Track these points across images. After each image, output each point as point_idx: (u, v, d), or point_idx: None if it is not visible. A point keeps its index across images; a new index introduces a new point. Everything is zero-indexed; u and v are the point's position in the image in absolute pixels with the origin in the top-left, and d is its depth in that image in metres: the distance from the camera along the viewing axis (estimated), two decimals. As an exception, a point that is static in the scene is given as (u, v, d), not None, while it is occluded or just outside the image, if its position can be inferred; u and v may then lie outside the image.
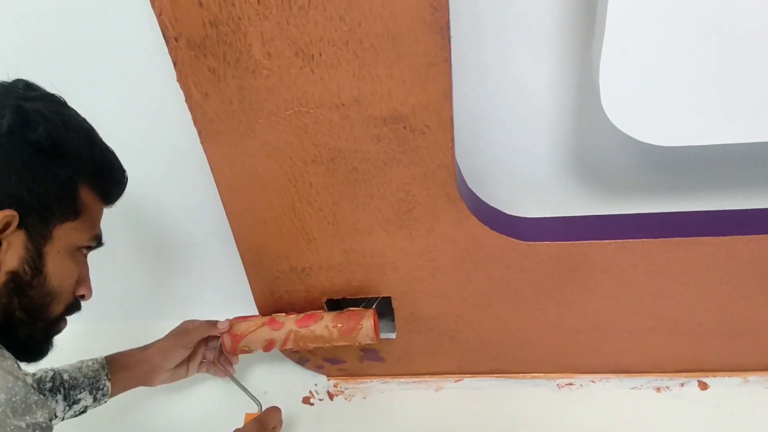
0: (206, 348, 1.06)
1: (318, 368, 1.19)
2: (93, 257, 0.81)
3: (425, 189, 0.87)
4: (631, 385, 1.11)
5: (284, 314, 1.03)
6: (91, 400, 0.95)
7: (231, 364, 1.08)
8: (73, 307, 0.78)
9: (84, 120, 0.75)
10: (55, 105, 0.72)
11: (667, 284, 0.96)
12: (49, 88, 0.74)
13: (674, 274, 0.94)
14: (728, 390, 1.08)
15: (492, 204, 0.98)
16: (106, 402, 0.97)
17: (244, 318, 1.04)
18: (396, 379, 1.18)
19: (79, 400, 0.94)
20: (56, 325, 0.76)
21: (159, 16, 0.74)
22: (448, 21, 0.72)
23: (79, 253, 0.76)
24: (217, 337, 1.04)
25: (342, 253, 0.96)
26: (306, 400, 1.17)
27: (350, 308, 1.01)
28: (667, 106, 0.78)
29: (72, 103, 0.76)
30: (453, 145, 0.83)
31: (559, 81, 0.90)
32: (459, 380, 1.16)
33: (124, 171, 0.80)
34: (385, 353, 1.13)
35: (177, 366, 1.02)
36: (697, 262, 0.92)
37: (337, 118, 0.81)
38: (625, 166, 0.98)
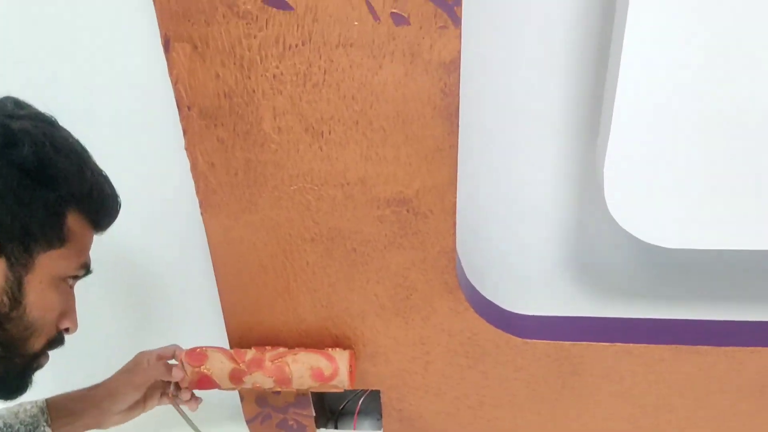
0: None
1: (296, 465, 1.13)
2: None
3: (424, 275, 0.87)
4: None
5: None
6: None
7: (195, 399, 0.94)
8: (56, 341, 0.72)
9: (76, 141, 0.71)
10: (45, 125, 0.67)
11: (666, 394, 0.94)
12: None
13: (674, 384, 0.92)
14: None
15: (490, 298, 0.97)
16: None
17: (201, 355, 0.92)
18: (379, 481, 1.12)
19: None
20: (36, 360, 0.71)
21: (175, 84, 0.76)
22: (458, 107, 0.74)
23: (64, 284, 0.71)
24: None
25: (333, 339, 0.94)
26: (281, 502, 1.10)
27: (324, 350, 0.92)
28: (673, 208, 0.79)
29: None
30: (455, 232, 0.83)
31: (562, 177, 0.92)
32: (445, 487, 1.10)
33: (116, 196, 0.75)
34: (369, 453, 1.08)
35: (131, 406, 0.90)
36: (697, 373, 0.91)
37: (341, 196, 0.81)
38: (627, 267, 0.98)
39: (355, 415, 1.09)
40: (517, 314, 0.97)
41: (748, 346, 0.88)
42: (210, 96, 0.76)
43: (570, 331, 0.93)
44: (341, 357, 0.90)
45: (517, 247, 0.98)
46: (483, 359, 0.94)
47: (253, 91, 0.75)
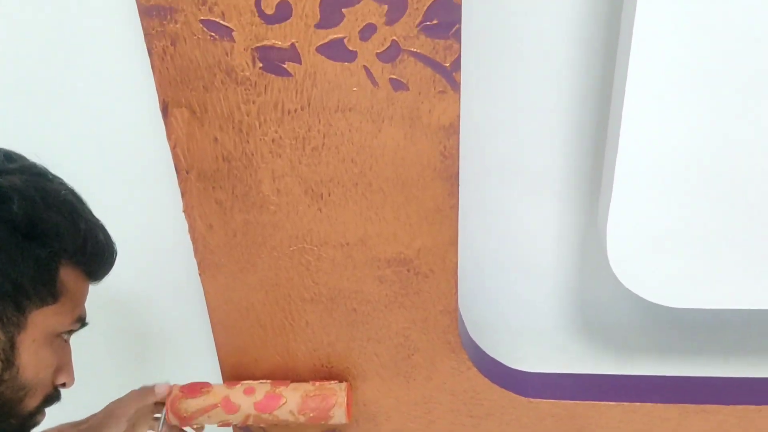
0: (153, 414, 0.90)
1: None
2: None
3: (426, 335, 0.86)
4: None
5: (245, 385, 0.89)
6: None
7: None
8: (52, 398, 0.69)
9: (69, 192, 0.68)
10: (35, 178, 0.65)
11: (675, 454, 0.92)
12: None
13: (683, 443, 0.90)
14: None
15: (492, 355, 0.96)
16: None
17: (194, 390, 0.88)
18: None
19: None
20: (32, 419, 0.67)
21: (173, 148, 0.76)
22: (458, 169, 0.74)
23: (58, 339, 0.68)
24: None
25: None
26: None
27: (319, 384, 0.89)
28: (677, 267, 0.79)
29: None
30: (456, 291, 0.82)
31: (564, 235, 0.91)
32: None
33: (112, 245, 0.72)
34: None
35: None
36: None
37: (341, 257, 0.81)
38: (631, 325, 0.97)
39: (357, 474, 1.07)
40: (521, 371, 0.95)
41: (756, 404, 0.86)
42: (208, 159, 0.76)
43: (575, 390, 0.91)
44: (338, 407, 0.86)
45: (520, 305, 0.98)
46: (487, 419, 0.92)
47: (252, 154, 0.75)
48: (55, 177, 0.67)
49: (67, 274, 0.66)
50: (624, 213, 0.78)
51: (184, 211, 0.79)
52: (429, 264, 0.81)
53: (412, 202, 0.77)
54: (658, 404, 0.88)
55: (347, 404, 0.86)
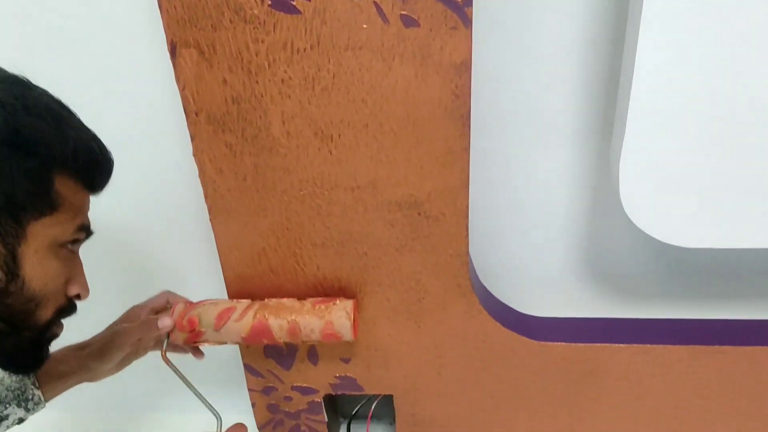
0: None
1: (309, 471, 1.12)
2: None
3: (436, 279, 0.86)
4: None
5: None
6: (23, 411, 0.82)
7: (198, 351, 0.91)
8: (67, 309, 0.69)
9: (53, 100, 0.66)
10: (16, 87, 0.63)
11: (685, 396, 0.92)
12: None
13: (693, 385, 0.91)
14: None
15: (504, 301, 0.96)
16: (44, 407, 0.85)
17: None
18: (393, 488, 1.11)
19: (8, 415, 0.81)
20: (48, 331, 0.68)
21: (182, 90, 0.76)
22: (470, 109, 0.73)
23: (64, 249, 0.67)
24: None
25: (345, 344, 0.93)
26: (293, 507, 1.09)
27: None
28: (689, 207, 0.78)
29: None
30: (467, 234, 0.82)
31: (576, 178, 0.91)
32: (460, 492, 1.09)
33: (106, 153, 0.69)
34: (382, 458, 1.08)
35: (121, 361, 0.87)
36: (716, 373, 0.90)
37: (351, 200, 0.81)
38: (643, 268, 0.97)
39: (368, 420, 1.09)
40: (531, 316, 0.96)
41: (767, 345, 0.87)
42: (217, 101, 0.76)
43: (585, 333, 0.92)
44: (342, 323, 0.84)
45: (530, 250, 0.97)
46: (497, 362, 0.93)
47: (261, 95, 0.75)
48: (37, 87, 0.65)
49: (63, 185, 0.65)
50: (636, 153, 0.77)
51: (194, 155, 0.79)
52: (440, 207, 0.81)
53: (423, 143, 0.76)
54: (669, 346, 0.88)
55: (353, 318, 0.84)
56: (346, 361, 0.95)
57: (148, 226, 1.05)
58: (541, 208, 0.94)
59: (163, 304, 0.88)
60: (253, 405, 1.03)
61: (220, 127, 0.77)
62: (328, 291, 0.89)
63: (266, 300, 0.86)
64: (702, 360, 0.89)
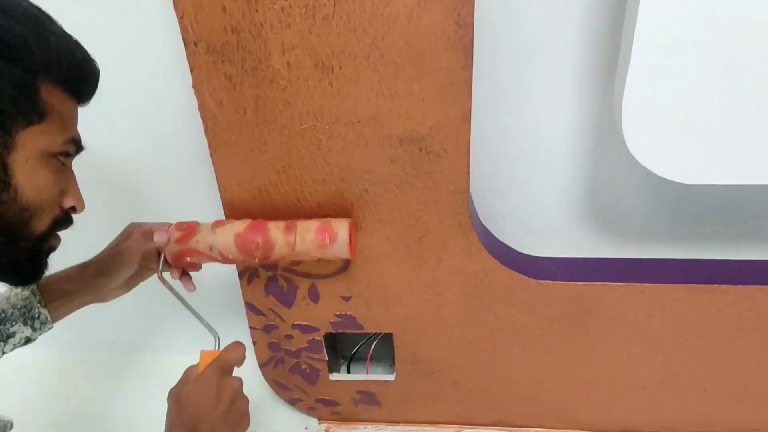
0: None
1: (310, 410, 1.14)
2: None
3: (437, 216, 0.86)
4: (639, 445, 1.06)
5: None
6: (30, 330, 0.84)
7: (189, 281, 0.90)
8: (63, 221, 0.69)
9: (31, 5, 0.64)
10: None
11: (682, 335, 0.93)
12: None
13: (690, 324, 0.92)
14: (743, 456, 1.03)
15: (503, 241, 0.96)
16: (51, 328, 0.86)
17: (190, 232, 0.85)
18: (391, 426, 1.13)
19: (14, 333, 0.82)
20: (44, 242, 0.68)
21: (180, 18, 0.74)
22: (472, 40, 0.72)
23: (55, 161, 0.66)
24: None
25: (345, 282, 0.94)
26: (295, 444, 1.12)
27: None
28: (693, 142, 0.78)
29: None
30: (468, 171, 0.82)
31: (579, 113, 0.90)
32: (458, 430, 1.11)
33: (91, 61, 0.69)
34: (382, 397, 1.09)
35: (127, 281, 0.88)
36: (714, 312, 0.90)
37: (352, 135, 0.80)
38: (644, 208, 0.97)
39: (368, 359, 1.10)
40: (530, 256, 0.96)
41: (766, 284, 0.87)
42: (217, 31, 0.74)
43: (584, 272, 0.92)
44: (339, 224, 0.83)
45: (531, 189, 0.97)
46: (496, 301, 0.93)
47: (261, 24, 0.73)
48: None
49: (49, 92, 0.64)
50: (640, 88, 0.76)
51: (193, 87, 0.78)
52: (441, 142, 0.80)
53: (425, 75, 0.75)
54: (667, 285, 0.88)
55: (350, 236, 0.82)
56: (347, 299, 0.96)
57: (148, 161, 1.04)
58: (543, 147, 0.93)
59: (162, 226, 0.87)
60: (254, 343, 1.04)
61: (219, 57, 0.76)
62: (329, 228, 0.88)
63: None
64: (699, 299, 0.89)
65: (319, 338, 1.02)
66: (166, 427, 0.73)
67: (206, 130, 0.82)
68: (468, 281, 0.92)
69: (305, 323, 1.00)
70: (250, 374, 1.15)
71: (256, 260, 0.83)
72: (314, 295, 0.96)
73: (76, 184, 0.71)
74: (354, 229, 0.86)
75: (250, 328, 1.02)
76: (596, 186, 0.97)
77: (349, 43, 0.74)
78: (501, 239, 0.96)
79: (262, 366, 1.08)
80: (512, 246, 0.96)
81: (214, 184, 0.87)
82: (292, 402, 1.14)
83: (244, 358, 0.81)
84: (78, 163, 0.71)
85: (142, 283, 0.91)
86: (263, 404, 1.17)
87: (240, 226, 0.83)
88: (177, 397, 0.75)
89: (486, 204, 0.96)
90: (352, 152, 0.82)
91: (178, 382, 0.78)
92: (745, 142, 0.77)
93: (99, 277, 0.85)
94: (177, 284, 0.87)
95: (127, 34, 0.92)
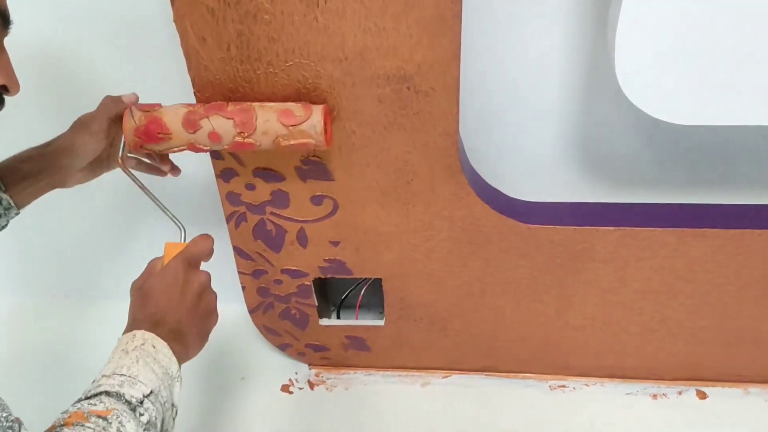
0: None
1: (299, 355, 1.14)
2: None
3: (425, 159, 0.84)
4: (626, 390, 1.07)
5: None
6: None
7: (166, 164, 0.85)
8: None
9: None
10: None
11: (671, 280, 0.93)
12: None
13: (679, 269, 0.91)
14: (728, 401, 1.04)
15: (493, 185, 0.95)
16: (18, 214, 0.80)
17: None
18: (381, 372, 1.14)
19: None
20: None
21: (160, -51, 0.71)
22: (462, -29, 0.69)
23: None
24: None
25: (334, 227, 0.92)
26: (285, 389, 1.12)
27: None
28: (688, 81, 0.76)
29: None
30: (458, 111, 0.80)
31: (571, 53, 0.88)
32: (447, 376, 1.12)
33: None
34: (371, 342, 1.09)
35: (93, 162, 0.82)
36: (703, 257, 0.89)
37: (339, 73, 0.78)
38: (636, 151, 0.95)
39: (357, 305, 1.10)
40: (520, 201, 0.95)
41: (755, 228, 0.86)
42: (197, -38, 0.71)
43: (574, 217, 0.91)
44: (315, 108, 0.77)
45: (521, 131, 0.95)
46: (485, 246, 0.92)
47: (243, -45, 0.70)
48: None
49: None
50: (634, 24, 0.74)
51: (174, 21, 0.75)
52: (429, 81, 0.78)
53: (414, 9, 0.72)
54: (657, 229, 0.87)
55: (325, 127, 0.77)
56: (335, 243, 0.95)
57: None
58: (535, 88, 0.91)
59: (134, 99, 0.80)
60: (243, 288, 1.03)
61: (200, -10, 0.73)
62: (316, 170, 0.87)
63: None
64: (689, 243, 0.88)
65: (309, 283, 1.01)
66: (128, 321, 0.69)
67: (189, 68, 0.79)
68: (456, 225, 0.90)
69: (294, 268, 0.99)
70: (239, 320, 1.16)
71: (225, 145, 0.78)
72: (303, 240, 0.95)
73: (9, 64, 0.66)
74: (329, 118, 0.79)
75: (239, 272, 1.01)
76: (588, 129, 0.95)
77: (334, -25, 0.71)
78: (491, 183, 0.94)
79: (251, 311, 1.07)
80: (502, 190, 0.95)
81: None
82: (282, 347, 1.13)
83: (212, 251, 0.77)
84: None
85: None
86: (253, 349, 1.17)
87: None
88: (140, 290, 0.71)
89: (476, 147, 0.94)
90: (339, 91, 0.79)
91: (141, 275, 0.74)
92: (740, 81, 0.75)
93: (63, 156, 0.79)
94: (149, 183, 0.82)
95: None
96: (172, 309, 0.69)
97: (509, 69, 0.90)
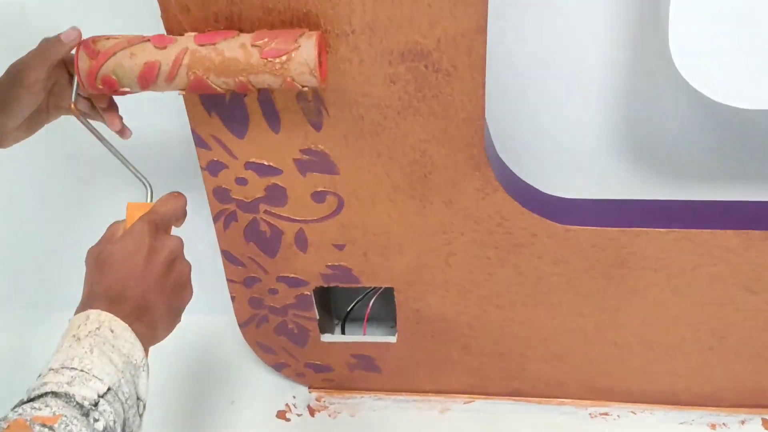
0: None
1: (298, 376, 1.14)
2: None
3: (446, 148, 0.83)
4: (679, 419, 1.06)
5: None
6: None
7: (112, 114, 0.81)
8: None
9: None
10: None
11: (733, 291, 0.92)
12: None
13: (743, 278, 0.90)
14: (799, 432, 1.03)
15: (525, 179, 0.94)
16: None
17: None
18: (393, 396, 1.13)
19: None
20: None
21: None
22: (490, -73, 0.68)
23: None
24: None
25: (338, 227, 0.91)
26: (281, 415, 1.12)
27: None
28: (753, 59, 0.74)
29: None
30: (484, 94, 0.78)
31: (615, 24, 0.86)
32: (469, 401, 1.11)
33: None
34: (381, 362, 1.08)
35: (31, 116, 0.78)
36: (772, 264, 0.88)
37: (345, 49, 0.76)
38: (692, 140, 0.94)
39: (365, 319, 1.09)
40: (557, 197, 0.94)
41: (834, 231, 0.84)
42: None
43: (620, 216, 0.90)
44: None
45: (558, 116, 0.94)
46: (516, 250, 0.91)
47: None
48: None
49: None
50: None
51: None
52: (451, 58, 0.76)
53: (433, -27, 0.71)
54: (718, 231, 0.86)
55: (319, 59, 0.72)
56: (340, 247, 0.94)
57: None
58: (572, 65, 0.90)
59: (75, 36, 0.75)
60: (233, 298, 1.03)
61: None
62: (318, 162, 0.86)
63: (198, 46, 0.73)
64: (756, 248, 0.87)
65: (309, 293, 1.00)
66: (82, 296, 0.65)
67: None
68: (481, 227, 0.89)
69: (292, 275, 0.98)
70: (228, 334, 1.16)
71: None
72: (302, 242, 0.94)
73: None
74: (324, 47, 0.75)
75: (228, 280, 1.01)
76: (636, 113, 0.94)
77: (339, -68, 0.69)
78: (521, 174, 0.94)
79: (242, 325, 1.07)
80: (534, 185, 0.94)
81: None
82: (278, 367, 1.13)
83: (184, 212, 0.74)
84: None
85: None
86: (244, 369, 1.17)
87: (178, 85, 0.73)
88: (97, 258, 0.67)
89: (504, 134, 0.93)
90: (345, 70, 0.78)
91: (100, 240, 0.70)
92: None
93: None
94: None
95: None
96: (136, 281, 0.65)
97: (543, 40, 0.89)
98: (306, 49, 0.71)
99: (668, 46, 0.75)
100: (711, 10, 0.72)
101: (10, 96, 0.75)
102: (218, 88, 0.73)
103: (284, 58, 0.71)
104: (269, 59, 0.71)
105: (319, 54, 0.73)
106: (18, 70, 0.75)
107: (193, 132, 0.85)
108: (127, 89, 0.75)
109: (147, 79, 0.73)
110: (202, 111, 0.83)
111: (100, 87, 0.74)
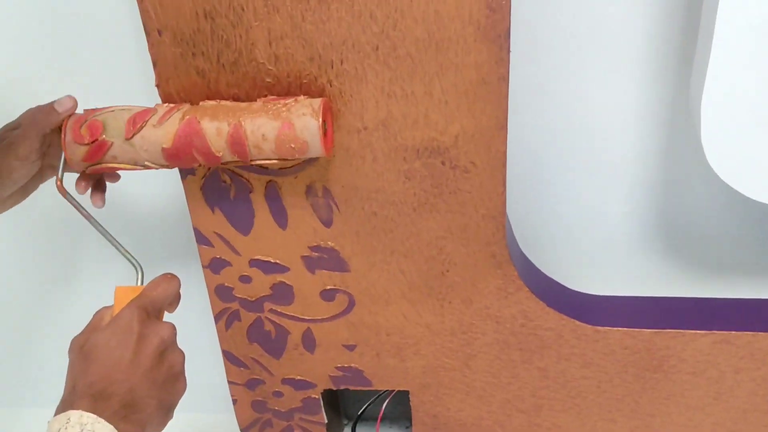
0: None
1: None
2: None
3: (465, 246, 0.86)
4: None
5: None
6: None
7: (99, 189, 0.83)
8: None
9: None
10: None
11: (780, 396, 0.93)
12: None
13: (790, 383, 0.92)
14: None
15: (550, 275, 0.97)
16: None
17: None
18: (408, 506, 1.14)
19: None
20: None
21: (141, 2, 0.76)
22: (509, 27, 0.73)
23: None
24: None
25: (349, 327, 0.94)
26: None
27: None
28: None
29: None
30: (504, 190, 0.82)
31: (646, 120, 0.90)
32: None
33: None
34: (395, 470, 1.10)
35: (24, 186, 0.81)
36: (821, 369, 0.90)
37: (357, 145, 0.81)
38: (728, 235, 0.97)
39: (378, 421, 1.11)
40: (585, 294, 0.97)
41: None
42: (186, 17, 0.76)
43: (653, 316, 0.92)
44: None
45: (584, 210, 0.97)
46: (541, 352, 0.94)
47: (242, 9, 0.75)
48: None
49: None
50: (723, 87, 0.76)
51: (157, 86, 0.79)
52: (470, 155, 0.81)
53: (449, 71, 0.76)
54: (761, 333, 0.88)
55: (323, 121, 0.74)
56: (351, 348, 0.97)
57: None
58: (599, 157, 0.93)
59: (70, 105, 0.79)
60: (234, 401, 1.05)
61: (189, 49, 0.77)
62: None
63: (201, 103, 0.78)
64: (802, 352, 0.89)
65: (316, 396, 1.02)
66: (64, 392, 0.65)
67: (173, 140, 0.83)
68: (504, 327, 0.92)
69: (298, 377, 1.01)
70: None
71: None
72: (310, 343, 0.97)
73: None
74: (330, 115, 0.78)
75: (229, 383, 1.03)
76: (669, 204, 0.97)
77: (352, 31, 0.74)
78: (546, 271, 0.97)
79: (244, 430, 1.09)
80: (561, 282, 0.97)
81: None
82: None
83: (177, 296, 0.75)
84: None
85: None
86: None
87: (166, 134, 0.75)
88: (81, 349, 0.67)
89: (527, 230, 0.96)
90: (358, 167, 0.82)
91: (85, 329, 0.70)
92: None
93: None
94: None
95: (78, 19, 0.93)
96: (123, 374, 0.65)
97: (567, 133, 0.92)
98: (311, 101, 0.76)
99: (700, 140, 0.79)
100: (744, 108, 0.76)
101: (4, 166, 0.77)
102: (209, 141, 0.74)
103: (289, 100, 0.76)
104: (271, 103, 0.76)
105: (324, 118, 0.75)
106: (11, 142, 0.77)
107: (195, 229, 0.89)
108: (110, 140, 0.75)
109: (136, 122, 0.75)
110: (205, 207, 0.87)
111: (83, 133, 0.76)
